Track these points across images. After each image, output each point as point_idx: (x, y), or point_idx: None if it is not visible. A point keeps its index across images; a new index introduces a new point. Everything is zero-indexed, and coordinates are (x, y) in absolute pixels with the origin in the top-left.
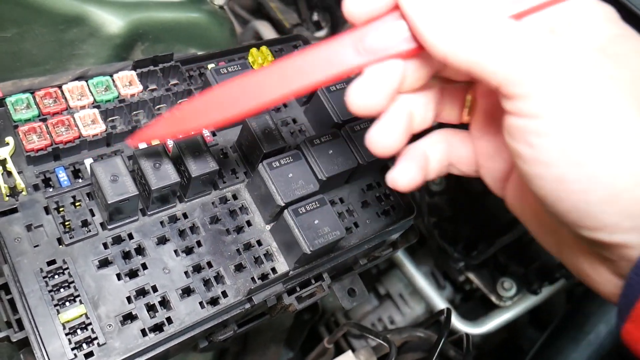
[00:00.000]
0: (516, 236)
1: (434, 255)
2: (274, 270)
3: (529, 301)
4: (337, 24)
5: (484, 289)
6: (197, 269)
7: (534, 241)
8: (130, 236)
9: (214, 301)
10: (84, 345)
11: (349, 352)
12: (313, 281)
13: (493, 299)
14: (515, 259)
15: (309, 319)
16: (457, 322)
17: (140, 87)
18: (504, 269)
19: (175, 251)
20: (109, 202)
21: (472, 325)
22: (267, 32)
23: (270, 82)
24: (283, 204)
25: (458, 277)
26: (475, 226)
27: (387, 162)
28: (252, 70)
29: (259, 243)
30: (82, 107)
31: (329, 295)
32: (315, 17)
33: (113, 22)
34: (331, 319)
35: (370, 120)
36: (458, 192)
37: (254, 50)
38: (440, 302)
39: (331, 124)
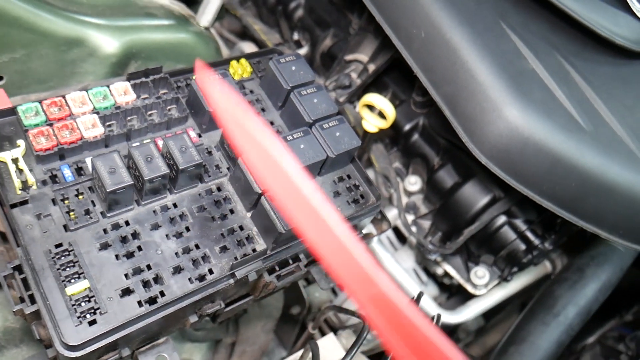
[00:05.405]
0: (482, 225)
1: (414, 252)
2: (254, 250)
3: (506, 289)
4: (316, 41)
5: (460, 278)
6: (187, 250)
7: (500, 229)
8: (127, 223)
9: (201, 277)
10: (88, 315)
11: (331, 334)
12: (291, 261)
13: (469, 287)
14: (485, 247)
15: (298, 313)
16: (435, 310)
17: (134, 96)
18: (476, 258)
19: (167, 235)
20: (108, 190)
21: (450, 314)
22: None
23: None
24: (260, 192)
25: (436, 269)
26: (448, 220)
27: (354, 155)
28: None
29: (241, 228)
30: (83, 114)
31: (315, 291)
32: (295, 36)
33: (109, 43)
34: (318, 314)
35: (338, 119)
36: (432, 190)
37: (234, 62)
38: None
39: (304, 123)
